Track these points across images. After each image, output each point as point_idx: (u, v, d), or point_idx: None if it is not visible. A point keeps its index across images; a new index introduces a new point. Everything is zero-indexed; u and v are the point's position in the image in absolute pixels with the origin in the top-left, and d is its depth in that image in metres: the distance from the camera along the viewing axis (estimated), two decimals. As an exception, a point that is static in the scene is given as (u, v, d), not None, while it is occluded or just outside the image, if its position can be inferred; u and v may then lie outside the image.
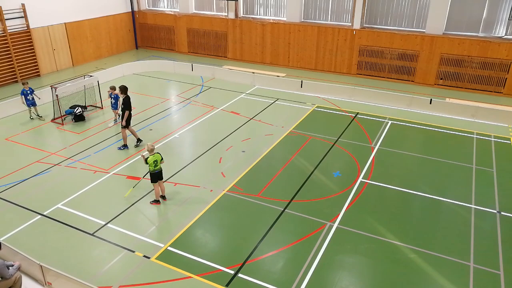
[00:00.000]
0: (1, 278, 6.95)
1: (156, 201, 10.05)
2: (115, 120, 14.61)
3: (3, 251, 7.14)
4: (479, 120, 14.92)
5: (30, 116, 14.87)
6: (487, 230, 9.12)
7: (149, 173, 9.72)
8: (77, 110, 14.55)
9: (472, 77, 17.74)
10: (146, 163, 9.62)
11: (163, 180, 10.20)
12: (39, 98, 15.03)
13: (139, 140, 12.91)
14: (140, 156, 9.87)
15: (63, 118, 14.42)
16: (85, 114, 15.13)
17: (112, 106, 14.52)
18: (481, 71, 17.48)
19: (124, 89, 12.28)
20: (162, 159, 9.79)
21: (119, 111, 13.58)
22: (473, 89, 17.82)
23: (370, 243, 8.67)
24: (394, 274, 7.89)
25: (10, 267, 7.11)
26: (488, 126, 14.44)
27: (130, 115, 12.38)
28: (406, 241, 8.71)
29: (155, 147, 9.81)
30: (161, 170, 9.86)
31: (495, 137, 13.62)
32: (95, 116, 14.98)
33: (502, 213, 9.69)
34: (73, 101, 15.22)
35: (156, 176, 9.79)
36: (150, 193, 10.35)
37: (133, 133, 12.86)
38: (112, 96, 14.22)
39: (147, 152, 9.65)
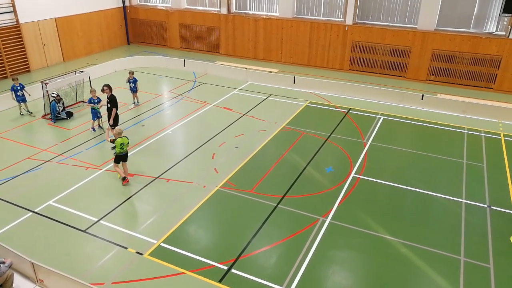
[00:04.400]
0: (-8, 275, 6.89)
1: (124, 179, 10.54)
2: (135, 103, 15.84)
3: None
4: (470, 116, 15.06)
5: (20, 112, 14.70)
6: (478, 224, 9.24)
7: (115, 155, 10.41)
8: (56, 95, 14.26)
9: (463, 73, 17.88)
10: (114, 147, 10.22)
11: (126, 162, 10.73)
12: (29, 95, 14.83)
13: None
14: (108, 140, 10.82)
15: (55, 116, 14.23)
16: (76, 110, 15.05)
17: (131, 90, 15.62)
18: (472, 67, 17.62)
19: (109, 87, 12.15)
20: (128, 143, 10.51)
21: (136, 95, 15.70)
22: (464, 85, 17.97)
23: (362, 237, 8.74)
24: (386, 269, 7.96)
25: (1, 265, 7.05)
26: (478, 122, 14.59)
27: (117, 114, 12.20)
28: (398, 235, 8.79)
29: (122, 130, 10.58)
30: (127, 153, 10.50)
31: (485, 132, 13.76)
32: (86, 112, 14.83)
33: (492, 207, 9.82)
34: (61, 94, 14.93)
35: (121, 158, 10.49)
36: (143, 189, 10.33)
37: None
38: (131, 80, 15.42)
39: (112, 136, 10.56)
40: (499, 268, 7.94)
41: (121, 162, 10.56)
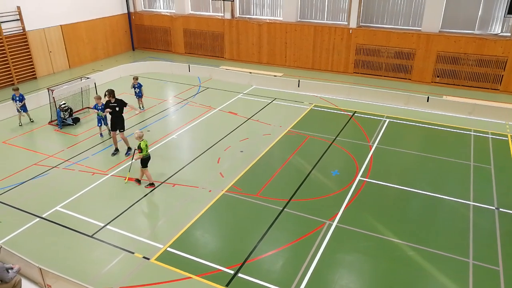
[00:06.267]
0: (1, 281, 6.92)
1: (151, 184, 10.59)
2: (140, 108, 15.91)
3: (2, 254, 7.11)
4: (476, 117, 14.97)
5: (19, 122, 14.46)
6: (486, 226, 9.15)
7: (139, 159, 10.38)
8: (64, 106, 14.33)
9: (468, 74, 17.79)
10: (140, 150, 10.22)
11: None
12: (19, 111, 14.37)
13: (129, 148, 12.48)
14: (134, 150, 10.62)
15: (61, 122, 14.32)
16: (82, 116, 15.17)
17: (136, 95, 15.74)
18: (477, 69, 17.54)
19: (112, 93, 11.98)
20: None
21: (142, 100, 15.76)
22: (470, 86, 17.88)
23: (369, 241, 8.69)
24: (393, 272, 7.90)
25: (9, 270, 7.09)
26: (485, 123, 14.49)
27: (123, 118, 12.23)
28: (405, 238, 8.73)
29: (143, 133, 10.52)
30: (150, 156, 10.61)
31: (492, 134, 13.67)
32: (92, 118, 14.93)
33: (500, 209, 9.73)
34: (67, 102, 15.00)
35: (148, 160, 10.49)
36: (149, 194, 10.36)
37: (125, 140, 12.43)
38: (136, 86, 15.56)
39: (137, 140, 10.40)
40: (508, 271, 7.85)
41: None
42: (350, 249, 8.48)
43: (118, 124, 12.17)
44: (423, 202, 10.10)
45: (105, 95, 12.11)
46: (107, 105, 12.12)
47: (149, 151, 10.52)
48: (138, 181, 10.80)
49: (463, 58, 17.61)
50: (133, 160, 10.58)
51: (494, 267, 7.97)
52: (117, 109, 12.06)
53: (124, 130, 12.31)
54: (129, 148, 12.46)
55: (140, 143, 10.25)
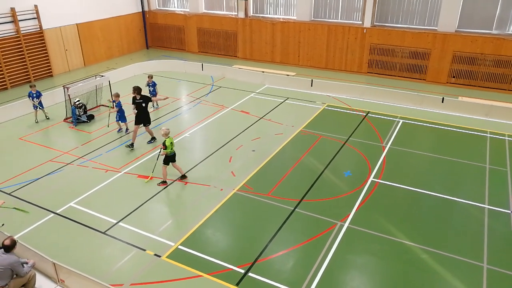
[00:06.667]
0: (16, 275, 7.06)
1: (164, 182, 10.71)
2: (154, 106, 15.95)
3: (17, 249, 7.25)
4: (493, 119, 14.69)
5: (36, 119, 14.76)
6: (501, 230, 8.98)
7: (164, 156, 10.45)
8: (78, 102, 14.52)
9: (485, 75, 17.48)
10: (165, 147, 10.26)
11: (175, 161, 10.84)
12: (37, 108, 14.68)
13: (153, 138, 13.18)
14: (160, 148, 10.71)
15: (76, 119, 14.52)
16: (96, 113, 15.37)
17: (151, 94, 15.59)
18: (494, 69, 17.21)
19: (138, 89, 12.42)
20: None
21: (158, 97, 15.30)
22: (486, 87, 17.55)
23: (381, 243, 8.61)
24: (405, 275, 7.82)
25: (24, 265, 7.22)
26: (502, 125, 14.21)
27: (148, 113, 12.72)
28: (418, 241, 8.63)
29: (169, 130, 10.47)
30: (175, 153, 10.63)
31: (509, 136, 13.40)
32: (106, 115, 15.10)
33: (516, 213, 9.55)
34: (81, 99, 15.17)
35: (171, 158, 10.53)
36: (161, 192, 10.44)
37: (150, 132, 13.13)
38: (150, 84, 15.57)
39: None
40: (524, 276, 7.70)
41: (170, 163, 10.69)
42: (361, 250, 8.41)
43: (144, 119, 12.66)
44: (436, 204, 9.96)
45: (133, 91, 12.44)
46: (133, 101, 12.53)
47: (173, 149, 10.55)
48: (184, 176, 10.94)
49: (480, 59, 17.30)
50: (158, 159, 10.72)
51: (509, 272, 7.82)
52: (143, 105, 12.49)
53: (149, 124, 12.81)
54: (153, 138, 13.06)
55: (165, 140, 10.32)
